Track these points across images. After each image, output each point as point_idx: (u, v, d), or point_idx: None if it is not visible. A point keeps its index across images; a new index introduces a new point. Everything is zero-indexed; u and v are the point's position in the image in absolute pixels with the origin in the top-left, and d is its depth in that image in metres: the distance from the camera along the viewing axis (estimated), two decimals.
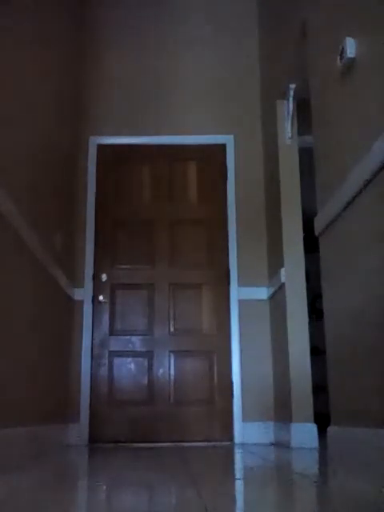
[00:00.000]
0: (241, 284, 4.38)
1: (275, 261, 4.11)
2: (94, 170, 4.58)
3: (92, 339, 4.28)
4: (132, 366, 4.26)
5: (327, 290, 2.84)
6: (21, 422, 2.92)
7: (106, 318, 4.33)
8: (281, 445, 3.77)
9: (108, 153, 4.64)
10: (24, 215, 2.99)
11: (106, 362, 4.26)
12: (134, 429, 4.15)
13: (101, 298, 4.33)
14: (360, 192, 2.36)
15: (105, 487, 1.64)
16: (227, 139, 4.67)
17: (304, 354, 3.66)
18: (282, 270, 3.79)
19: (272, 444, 3.96)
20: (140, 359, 4.27)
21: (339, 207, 2.58)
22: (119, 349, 4.28)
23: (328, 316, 2.81)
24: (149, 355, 4.28)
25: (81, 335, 4.28)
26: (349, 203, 2.49)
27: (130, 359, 4.27)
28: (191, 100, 4.77)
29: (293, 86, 3.86)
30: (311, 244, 5.79)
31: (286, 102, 4.02)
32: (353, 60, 2.46)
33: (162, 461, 2.61)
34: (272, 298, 4.21)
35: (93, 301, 4.35)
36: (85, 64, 4.82)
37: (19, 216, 2.86)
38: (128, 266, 4.42)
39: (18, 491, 1.57)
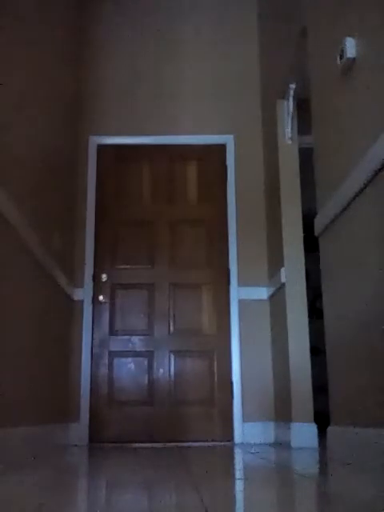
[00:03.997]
0: (241, 284, 4.38)
1: (275, 261, 4.11)
2: (94, 170, 4.58)
3: (92, 339, 4.28)
4: (132, 366, 4.26)
5: (327, 290, 2.84)
6: (21, 421, 2.92)
7: (105, 317, 4.33)
8: (281, 445, 3.77)
9: (108, 153, 4.64)
10: (24, 215, 2.99)
11: (106, 362, 4.26)
12: (134, 429, 4.15)
13: (101, 298, 4.33)
14: (360, 192, 2.36)
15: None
16: (227, 139, 4.67)
17: (304, 354, 3.66)
18: (282, 270, 3.79)
19: (272, 444, 3.96)
20: (140, 359, 4.27)
21: (339, 207, 2.58)
22: (119, 349, 4.28)
23: (328, 316, 2.82)
24: (149, 355, 4.28)
25: (81, 335, 4.28)
26: (349, 203, 2.49)
27: (130, 359, 4.27)
28: (191, 100, 4.77)
29: (293, 85, 3.85)
30: (311, 244, 5.79)
31: (286, 101, 4.02)
32: (353, 60, 2.46)
33: (161, 461, 2.61)
34: (272, 297, 4.21)
35: (93, 301, 4.35)
36: (85, 64, 4.82)
37: (19, 216, 2.86)
38: (128, 266, 4.42)
39: (18, 491, 1.57)
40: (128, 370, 4.25)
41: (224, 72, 4.83)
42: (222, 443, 4.09)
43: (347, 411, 2.52)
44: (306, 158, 4.72)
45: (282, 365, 3.84)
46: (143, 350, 4.28)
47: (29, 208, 3.11)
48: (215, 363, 4.27)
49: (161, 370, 4.25)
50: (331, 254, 2.76)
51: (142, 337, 4.30)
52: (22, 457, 2.80)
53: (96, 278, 4.38)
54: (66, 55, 4.24)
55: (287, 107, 3.99)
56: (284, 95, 4.01)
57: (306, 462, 2.44)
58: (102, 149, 4.65)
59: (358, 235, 2.40)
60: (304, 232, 4.37)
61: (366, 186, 2.29)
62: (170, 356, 4.27)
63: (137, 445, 4.04)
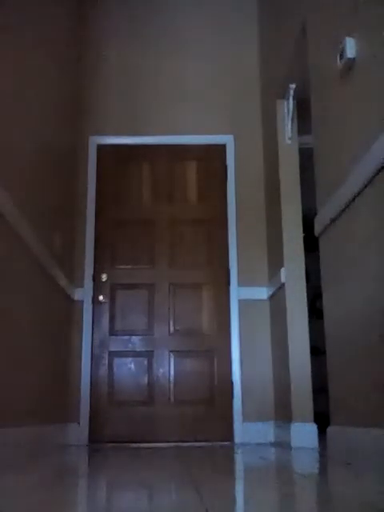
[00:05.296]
0: (241, 284, 4.38)
1: (275, 261, 4.11)
2: (94, 170, 4.58)
3: (92, 339, 4.28)
4: (132, 365, 4.26)
5: (327, 290, 2.84)
6: (21, 422, 2.92)
7: (105, 317, 4.33)
8: (281, 445, 3.77)
9: (108, 153, 4.64)
10: (24, 215, 2.99)
11: (106, 362, 4.26)
12: (134, 429, 4.15)
13: (101, 298, 4.33)
14: (360, 192, 2.36)
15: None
16: (227, 139, 4.67)
17: (304, 354, 3.66)
18: (282, 270, 3.79)
19: (272, 444, 3.96)
20: (140, 359, 4.27)
21: (339, 207, 2.58)
22: (119, 349, 4.28)
23: (328, 316, 2.81)
24: (149, 355, 4.28)
25: (81, 335, 4.28)
26: (349, 203, 2.49)
27: (130, 359, 4.27)
28: (191, 100, 4.77)
29: (293, 85, 3.85)
30: (311, 244, 5.79)
31: (285, 101, 4.02)
32: (353, 60, 2.46)
33: (161, 461, 2.61)
34: (272, 297, 4.21)
35: (93, 301, 4.34)
36: (85, 64, 4.82)
37: (19, 216, 2.86)
38: (128, 266, 4.42)
39: (18, 491, 1.57)
40: (128, 369, 4.25)
41: (224, 72, 4.83)
42: (222, 443, 4.09)
43: (347, 411, 2.52)
44: (306, 158, 4.72)
45: (282, 365, 3.84)
46: (143, 350, 4.28)
47: (29, 208, 3.11)
48: (215, 363, 4.26)
49: (161, 370, 4.25)
50: (331, 254, 2.76)
51: (141, 337, 4.30)
52: (22, 457, 2.80)
53: (96, 278, 4.38)
54: (66, 55, 4.24)
55: (287, 107, 3.99)
56: (284, 95, 4.01)
57: (305, 462, 2.44)
58: (102, 149, 4.65)
59: (357, 235, 2.40)
60: (304, 232, 4.37)
61: (365, 186, 2.30)
62: (169, 356, 4.27)
63: (137, 445, 4.04)
